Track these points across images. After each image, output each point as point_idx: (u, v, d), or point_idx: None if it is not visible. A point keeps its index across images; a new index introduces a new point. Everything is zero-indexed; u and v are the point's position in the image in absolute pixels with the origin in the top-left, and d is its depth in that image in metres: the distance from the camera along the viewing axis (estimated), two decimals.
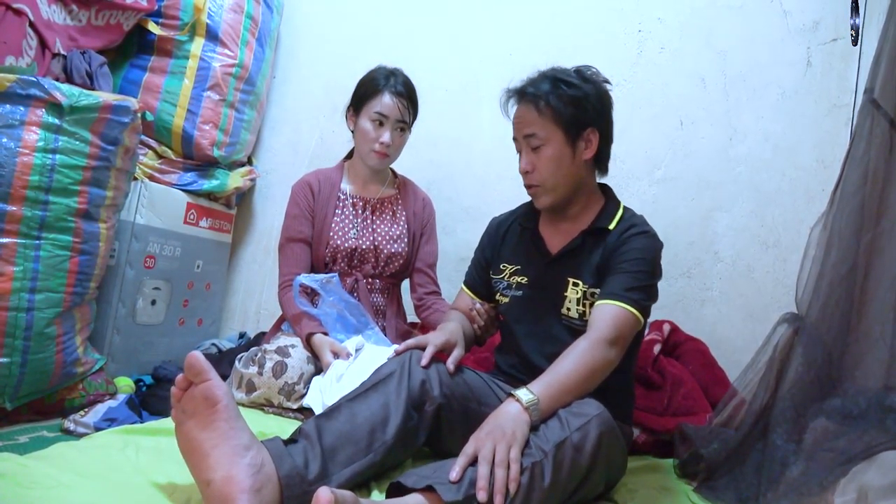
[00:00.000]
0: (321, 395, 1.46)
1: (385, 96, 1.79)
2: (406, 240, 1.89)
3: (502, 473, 0.97)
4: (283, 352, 1.56)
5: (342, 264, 1.82)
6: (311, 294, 1.74)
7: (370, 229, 1.85)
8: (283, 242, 1.85)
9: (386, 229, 1.87)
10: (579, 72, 1.41)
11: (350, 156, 1.97)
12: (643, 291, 1.31)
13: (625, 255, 1.34)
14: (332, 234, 1.81)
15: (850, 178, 1.32)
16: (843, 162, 1.37)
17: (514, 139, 1.45)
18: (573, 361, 1.19)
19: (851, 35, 1.83)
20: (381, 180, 1.93)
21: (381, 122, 1.80)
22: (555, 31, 2.31)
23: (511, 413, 1.08)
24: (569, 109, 1.36)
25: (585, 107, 1.37)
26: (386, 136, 1.79)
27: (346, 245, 1.81)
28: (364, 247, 1.83)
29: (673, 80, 2.17)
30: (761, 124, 2.08)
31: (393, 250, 1.85)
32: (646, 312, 1.32)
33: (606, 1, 2.26)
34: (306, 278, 1.67)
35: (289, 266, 1.81)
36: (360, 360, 1.51)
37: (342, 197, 1.88)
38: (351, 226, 1.84)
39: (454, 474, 0.97)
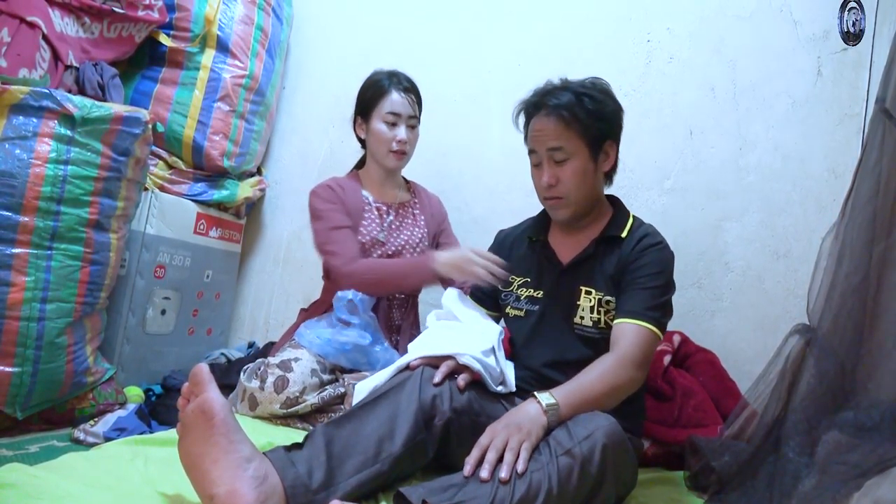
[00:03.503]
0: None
1: (394, 95, 1.80)
2: (426, 241, 1.90)
3: (511, 456, 1.01)
4: (285, 366, 1.54)
5: None
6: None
7: (395, 234, 1.85)
8: (327, 232, 1.73)
9: (408, 234, 1.86)
10: (594, 84, 1.42)
11: (360, 165, 1.96)
12: (662, 309, 1.33)
13: (642, 269, 1.35)
14: (360, 239, 1.78)
15: (862, 188, 1.31)
16: (854, 172, 1.36)
17: (533, 151, 1.44)
18: (598, 376, 1.22)
19: (841, 33, 1.82)
20: (396, 185, 1.93)
21: (394, 122, 1.80)
22: (563, 41, 2.31)
23: (530, 413, 1.12)
24: (594, 123, 1.38)
25: (608, 120, 1.40)
26: (402, 134, 1.80)
27: (376, 252, 1.79)
28: (390, 253, 1.81)
29: (682, 89, 2.17)
30: (771, 134, 2.07)
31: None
32: (664, 330, 1.34)
33: (615, 10, 2.26)
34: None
35: (347, 246, 1.71)
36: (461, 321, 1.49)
37: (366, 202, 1.86)
38: (378, 230, 1.82)
39: (467, 469, 1.01)
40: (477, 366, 1.29)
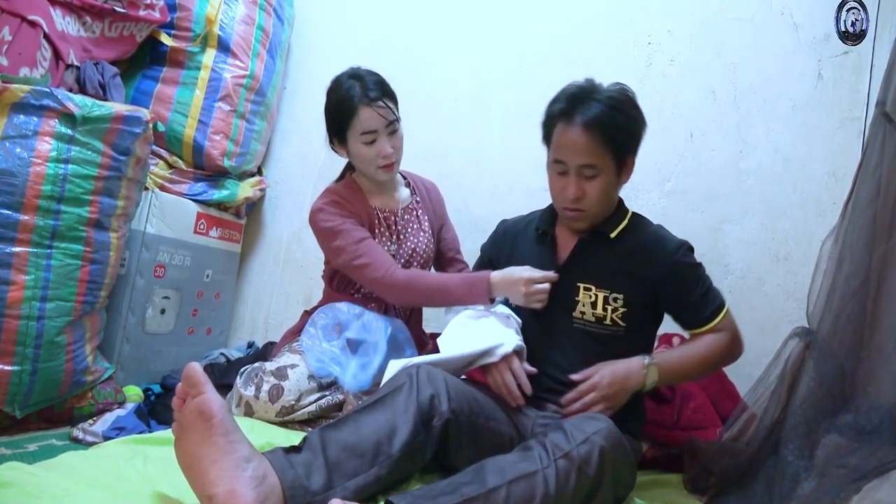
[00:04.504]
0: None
1: (363, 112, 1.63)
2: (432, 244, 1.86)
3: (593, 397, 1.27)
4: (280, 374, 1.52)
5: None
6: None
7: (404, 243, 1.79)
8: (354, 246, 1.64)
9: (415, 241, 1.80)
10: (625, 96, 1.39)
11: (350, 168, 1.87)
12: (714, 290, 1.45)
13: (684, 282, 1.42)
14: None
15: (862, 192, 1.31)
16: (854, 175, 1.36)
17: (560, 162, 1.39)
18: (703, 345, 1.40)
19: (838, 33, 1.83)
20: (395, 187, 1.85)
21: (373, 140, 1.65)
22: (564, 42, 2.31)
23: (630, 383, 1.30)
24: (625, 140, 1.38)
25: (637, 136, 1.41)
26: (385, 149, 1.66)
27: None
28: (402, 263, 1.76)
29: (683, 92, 2.17)
30: (772, 137, 2.07)
31: (423, 261, 1.81)
32: (721, 294, 1.46)
33: (616, 13, 2.27)
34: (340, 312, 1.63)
35: (379, 255, 1.63)
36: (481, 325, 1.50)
37: (375, 213, 1.76)
38: (389, 242, 1.75)
39: (569, 396, 1.30)
40: (519, 342, 1.40)
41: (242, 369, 1.61)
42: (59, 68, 1.88)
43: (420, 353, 1.67)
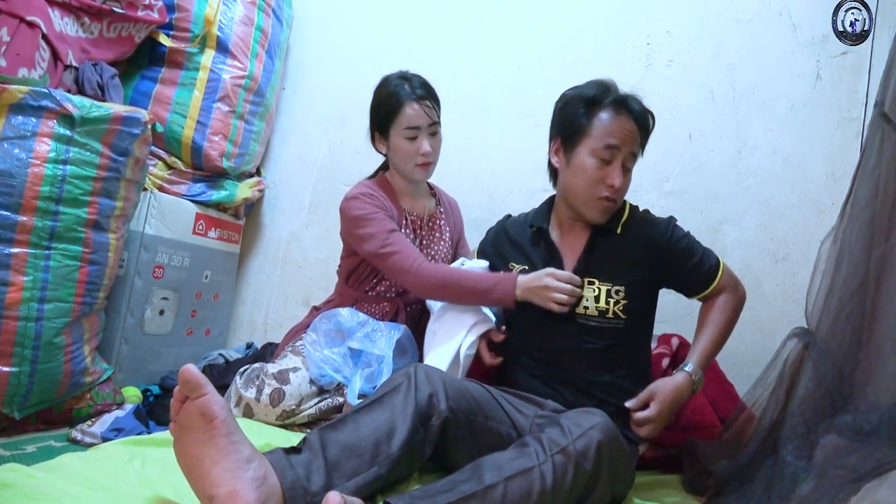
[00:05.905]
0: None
1: (409, 108, 1.70)
2: (451, 255, 1.88)
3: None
4: (282, 378, 1.51)
5: (395, 287, 1.75)
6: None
7: (425, 249, 1.80)
8: (385, 235, 1.63)
9: (436, 249, 1.83)
10: None
11: (384, 168, 1.89)
12: (706, 250, 1.51)
13: (680, 253, 1.48)
14: None
15: (861, 192, 1.31)
16: (853, 175, 1.37)
17: (613, 147, 1.42)
18: (717, 315, 1.47)
19: (836, 33, 1.83)
20: (424, 194, 1.88)
21: (415, 136, 1.71)
22: (563, 43, 2.31)
23: (684, 388, 1.35)
24: (644, 146, 1.52)
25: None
26: (425, 146, 1.71)
27: None
28: None
29: (681, 92, 2.17)
30: (770, 137, 2.07)
31: None
32: (713, 254, 1.53)
33: (615, 13, 2.27)
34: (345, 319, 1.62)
35: (408, 246, 1.63)
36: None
37: (403, 214, 1.78)
38: (412, 244, 1.75)
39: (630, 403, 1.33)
40: (490, 316, 1.53)
41: (243, 368, 1.60)
42: (58, 69, 1.88)
43: (420, 360, 1.67)
